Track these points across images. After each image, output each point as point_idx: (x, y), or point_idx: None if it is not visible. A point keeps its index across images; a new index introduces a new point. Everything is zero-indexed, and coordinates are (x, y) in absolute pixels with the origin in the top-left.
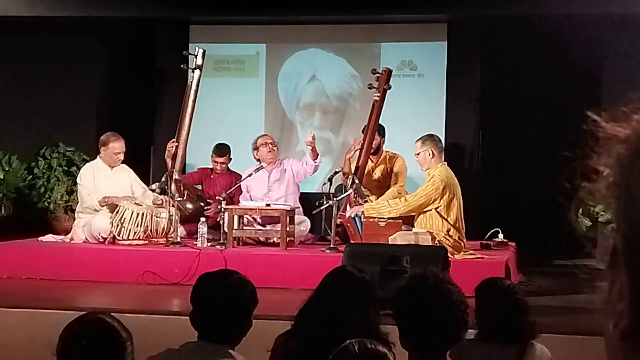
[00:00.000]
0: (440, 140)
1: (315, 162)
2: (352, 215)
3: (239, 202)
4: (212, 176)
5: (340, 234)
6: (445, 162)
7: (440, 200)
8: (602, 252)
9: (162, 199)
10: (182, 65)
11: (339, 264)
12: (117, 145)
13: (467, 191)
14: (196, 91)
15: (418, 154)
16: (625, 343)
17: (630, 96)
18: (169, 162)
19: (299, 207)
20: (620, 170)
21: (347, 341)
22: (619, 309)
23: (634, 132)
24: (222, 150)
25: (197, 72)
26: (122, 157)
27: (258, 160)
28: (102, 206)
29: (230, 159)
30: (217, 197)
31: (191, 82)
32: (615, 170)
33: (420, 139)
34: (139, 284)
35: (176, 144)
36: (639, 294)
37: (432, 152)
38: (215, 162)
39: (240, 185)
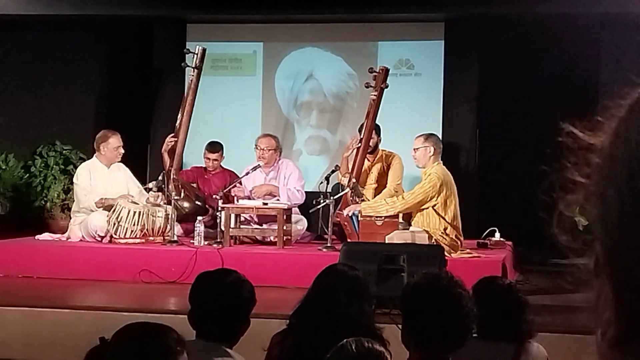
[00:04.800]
0: (441, 141)
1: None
2: (350, 214)
3: (237, 197)
4: (206, 176)
5: (337, 232)
6: (441, 162)
7: (437, 197)
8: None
9: (155, 196)
10: (182, 64)
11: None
12: (116, 139)
13: (464, 190)
14: (195, 90)
15: (417, 149)
16: (615, 351)
17: (604, 104)
18: (166, 156)
19: (295, 206)
20: (596, 180)
21: (345, 340)
22: (606, 318)
23: (607, 141)
24: (214, 146)
25: (196, 70)
26: (122, 150)
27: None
28: (99, 207)
29: (223, 157)
30: (213, 196)
31: (191, 80)
32: (592, 181)
33: (422, 135)
34: (135, 283)
35: (175, 139)
36: (622, 303)
37: (433, 149)
38: (208, 158)
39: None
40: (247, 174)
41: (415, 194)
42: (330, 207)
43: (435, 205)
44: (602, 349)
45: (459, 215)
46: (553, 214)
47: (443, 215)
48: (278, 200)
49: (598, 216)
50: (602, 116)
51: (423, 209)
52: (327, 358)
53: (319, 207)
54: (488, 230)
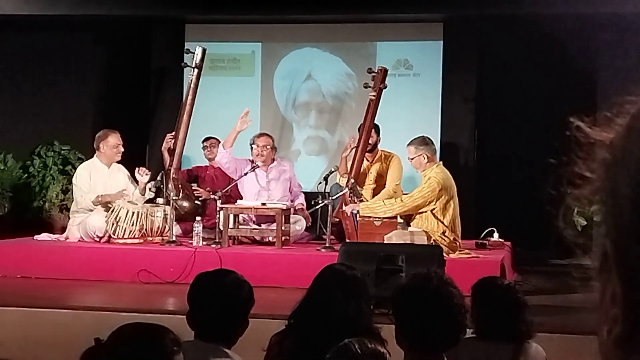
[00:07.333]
0: (432, 142)
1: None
2: (349, 213)
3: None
4: (208, 171)
5: (336, 232)
6: (441, 162)
7: (436, 202)
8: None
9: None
10: (182, 63)
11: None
12: (115, 138)
13: (463, 190)
14: (195, 90)
15: (412, 159)
16: (620, 349)
17: (613, 100)
18: (166, 154)
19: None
20: (605, 175)
21: (346, 340)
22: (612, 315)
23: (617, 137)
24: (209, 140)
25: (196, 70)
26: (121, 149)
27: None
28: (96, 205)
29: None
30: (211, 195)
31: (190, 80)
32: (601, 176)
33: (412, 143)
34: (134, 283)
35: (175, 137)
36: (632, 299)
37: (427, 156)
38: (204, 147)
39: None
40: (245, 174)
41: (414, 198)
42: (329, 208)
43: (433, 209)
44: (605, 346)
45: (458, 218)
46: (559, 208)
47: (441, 219)
48: (302, 204)
49: (608, 212)
50: (611, 112)
51: (422, 212)
52: (328, 358)
53: (317, 207)
54: (486, 230)
